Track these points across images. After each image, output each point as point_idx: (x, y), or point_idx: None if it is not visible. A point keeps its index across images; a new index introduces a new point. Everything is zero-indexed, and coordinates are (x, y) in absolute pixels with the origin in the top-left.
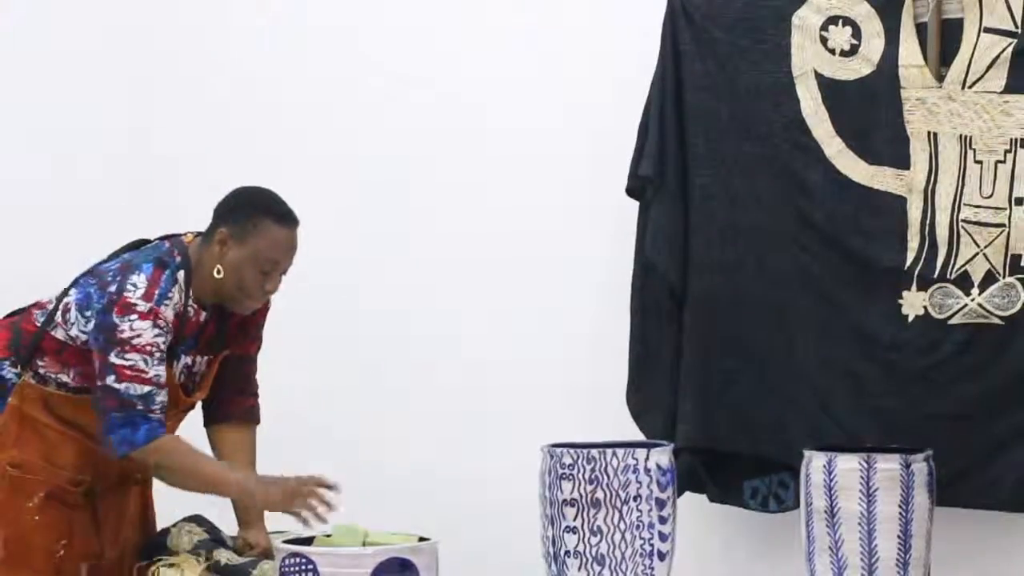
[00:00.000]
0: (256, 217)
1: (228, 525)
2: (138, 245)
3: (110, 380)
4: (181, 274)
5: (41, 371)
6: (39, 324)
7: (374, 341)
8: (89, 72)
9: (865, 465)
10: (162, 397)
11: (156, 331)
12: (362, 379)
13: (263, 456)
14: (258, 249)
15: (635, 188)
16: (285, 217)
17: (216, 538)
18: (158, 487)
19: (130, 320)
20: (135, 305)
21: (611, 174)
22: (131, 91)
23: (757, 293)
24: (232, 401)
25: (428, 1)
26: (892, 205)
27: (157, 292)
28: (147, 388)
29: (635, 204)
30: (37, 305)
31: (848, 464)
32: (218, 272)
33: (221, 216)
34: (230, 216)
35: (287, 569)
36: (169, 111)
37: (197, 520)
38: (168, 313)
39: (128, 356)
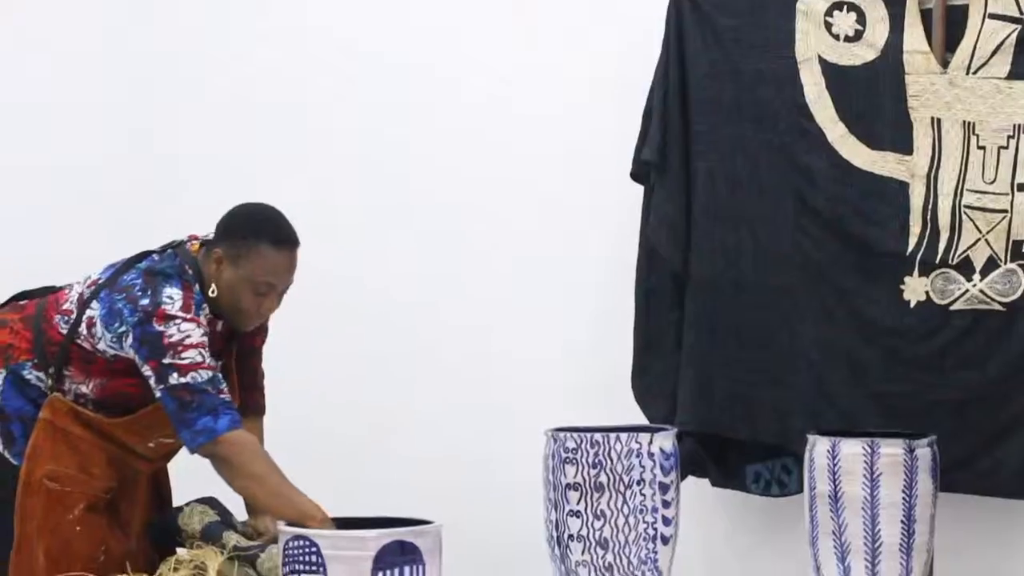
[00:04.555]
0: (251, 239)
1: (236, 510)
2: (143, 257)
3: (173, 379)
4: (197, 287)
5: (67, 382)
6: (64, 333)
7: (378, 329)
8: (90, 69)
9: (869, 450)
10: (224, 382)
11: (202, 332)
12: (366, 367)
13: (273, 446)
14: (252, 272)
15: (639, 173)
16: (281, 240)
17: (226, 521)
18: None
19: (176, 324)
20: (176, 315)
21: (615, 158)
22: (132, 88)
23: (758, 278)
24: (240, 396)
25: None
26: (894, 190)
27: (194, 303)
28: (210, 373)
29: (639, 189)
30: (54, 301)
31: (852, 449)
32: (213, 292)
33: (219, 235)
34: (226, 237)
35: (291, 551)
36: (171, 108)
37: (209, 502)
38: (205, 323)
39: (183, 355)
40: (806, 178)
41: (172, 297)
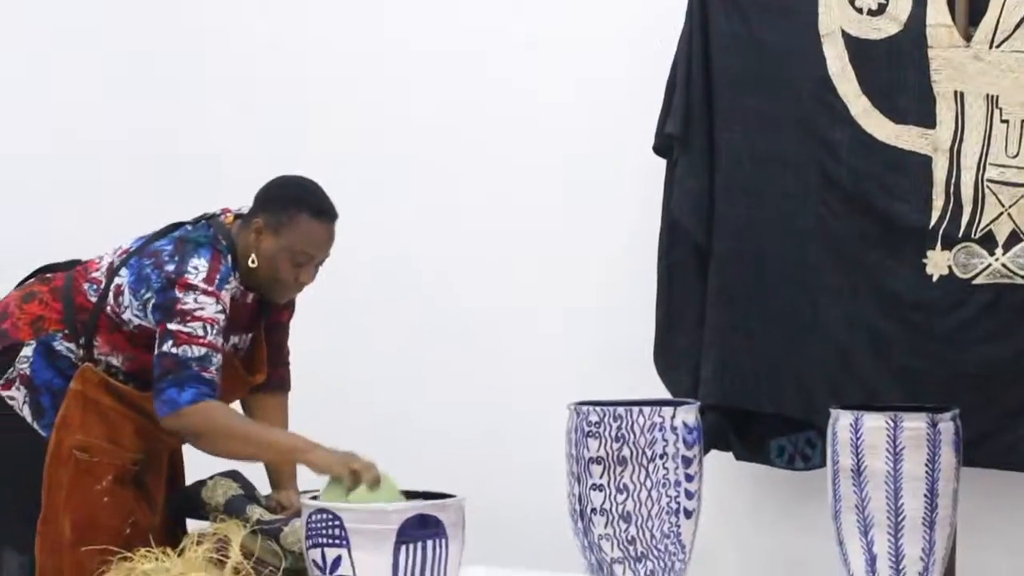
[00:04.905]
0: (292, 210)
1: (260, 485)
2: (176, 227)
3: (167, 346)
4: (230, 259)
5: (95, 352)
6: (93, 301)
7: (398, 304)
8: (112, 43)
9: (892, 424)
10: (218, 360)
11: (218, 307)
12: (387, 343)
13: (298, 417)
14: (292, 242)
15: (662, 146)
16: (322, 212)
17: (250, 495)
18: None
19: (194, 295)
20: (197, 286)
21: (639, 132)
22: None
23: (781, 252)
24: (266, 368)
25: None
26: (917, 164)
27: (218, 277)
28: (204, 350)
29: (662, 162)
30: (83, 270)
31: (875, 423)
32: (252, 261)
33: (259, 205)
34: (267, 206)
35: (314, 525)
36: (197, 96)
37: (233, 476)
38: (227, 298)
39: (189, 324)
40: (829, 152)
41: (197, 267)
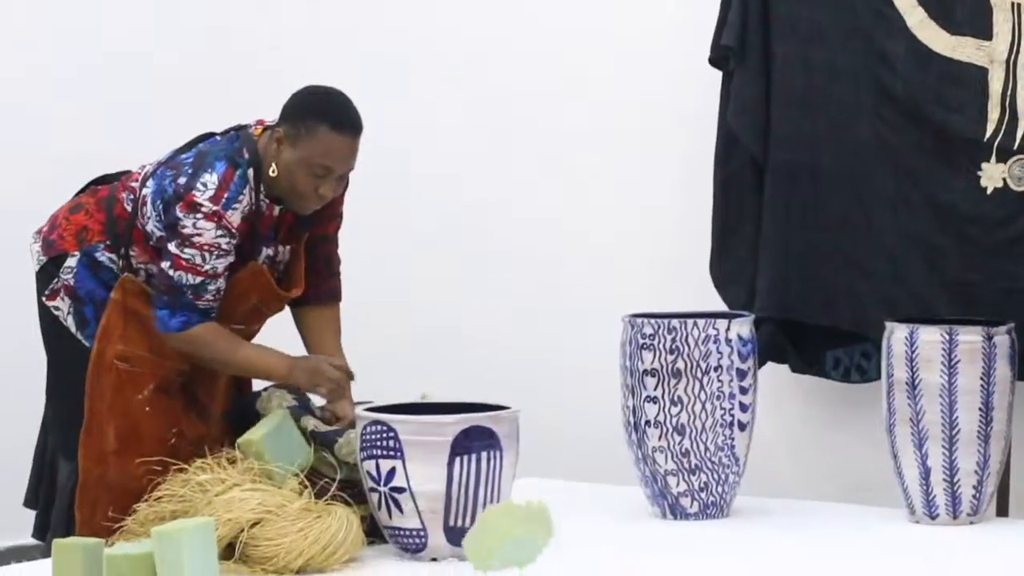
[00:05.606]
0: (311, 121)
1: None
2: (205, 138)
3: (165, 266)
4: (251, 172)
5: (133, 262)
6: (129, 210)
7: (453, 214)
8: None
9: (947, 337)
10: (216, 286)
11: (219, 232)
12: (443, 254)
13: (357, 333)
14: (310, 153)
15: (718, 58)
16: (342, 124)
17: (305, 406)
18: None
19: (194, 218)
20: (200, 205)
21: (695, 44)
22: None
23: (836, 164)
24: (314, 283)
25: None
26: (973, 76)
27: (225, 196)
28: (199, 279)
29: (718, 74)
30: (125, 180)
31: (930, 336)
32: (272, 171)
33: (283, 114)
34: (289, 116)
35: (368, 436)
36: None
37: (288, 387)
38: (235, 217)
39: (186, 250)
40: (885, 63)
41: (206, 184)
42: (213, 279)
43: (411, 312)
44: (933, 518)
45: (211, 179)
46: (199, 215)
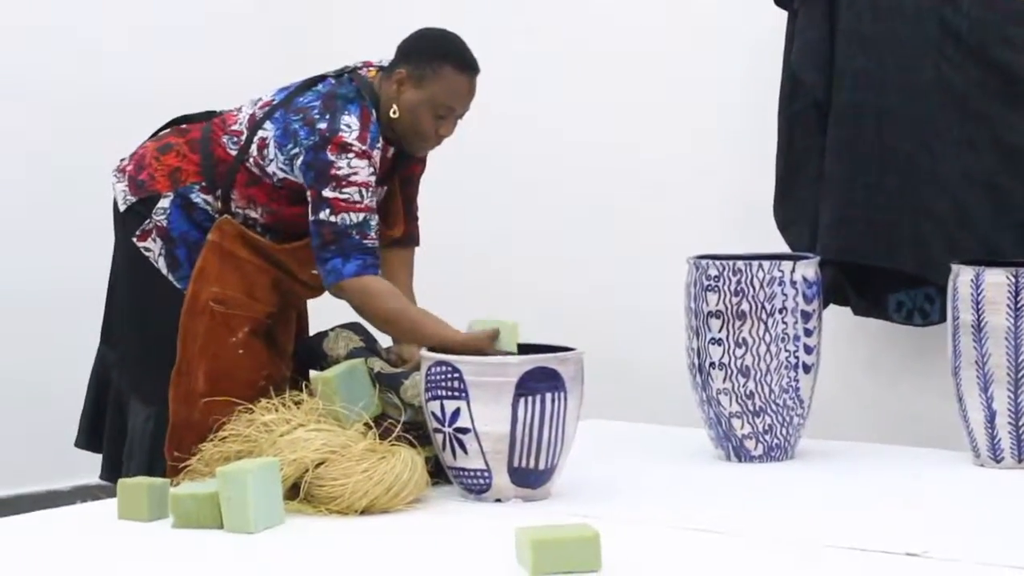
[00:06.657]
0: (436, 62)
1: (381, 336)
2: (318, 80)
3: (323, 214)
4: (375, 114)
5: (232, 205)
6: (233, 154)
7: (525, 158)
8: None
9: (1013, 279)
10: (376, 223)
11: (371, 169)
12: (514, 198)
13: (428, 278)
14: (435, 93)
15: None
16: (466, 64)
17: (371, 347)
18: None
19: (348, 158)
20: (351, 145)
21: None
22: None
23: (900, 105)
24: (403, 220)
25: None
26: None
27: (370, 136)
28: (362, 215)
29: (783, 14)
30: (220, 123)
31: (996, 278)
32: (394, 112)
33: (403, 55)
34: (411, 57)
35: (433, 377)
36: None
37: (354, 328)
38: (378, 157)
39: (344, 191)
40: (950, 3)
41: (350, 125)
42: (373, 215)
43: (483, 256)
44: (998, 461)
45: (352, 120)
46: (351, 154)
